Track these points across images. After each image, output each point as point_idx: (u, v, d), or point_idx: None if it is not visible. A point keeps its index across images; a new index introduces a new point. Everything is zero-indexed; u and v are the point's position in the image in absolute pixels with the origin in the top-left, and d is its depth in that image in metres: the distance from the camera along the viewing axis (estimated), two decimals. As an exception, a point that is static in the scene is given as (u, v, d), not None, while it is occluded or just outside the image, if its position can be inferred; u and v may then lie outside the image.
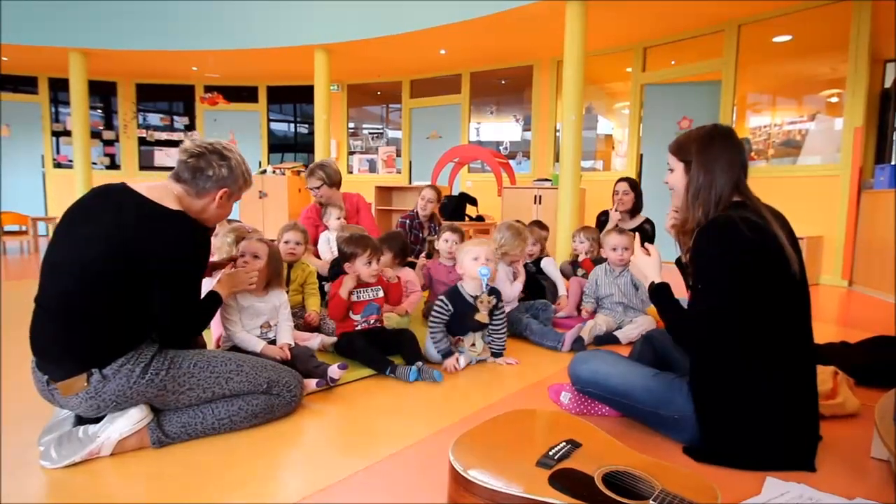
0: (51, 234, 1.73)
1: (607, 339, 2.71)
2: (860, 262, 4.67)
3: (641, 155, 6.35)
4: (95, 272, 1.41)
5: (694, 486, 1.09)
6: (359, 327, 2.34)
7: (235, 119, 9.02)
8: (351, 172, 8.86)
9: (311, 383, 1.91)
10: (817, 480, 1.35)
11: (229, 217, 2.09)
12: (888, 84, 4.95)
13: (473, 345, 2.36)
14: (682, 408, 1.50)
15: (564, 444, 1.23)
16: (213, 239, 2.41)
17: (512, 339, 2.61)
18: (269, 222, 6.92)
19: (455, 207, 5.94)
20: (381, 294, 2.41)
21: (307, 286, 2.75)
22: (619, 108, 6.92)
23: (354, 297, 2.32)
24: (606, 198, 4.18)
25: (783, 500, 1.26)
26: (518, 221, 3.15)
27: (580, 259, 3.61)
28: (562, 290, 3.36)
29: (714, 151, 1.48)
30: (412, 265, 3.32)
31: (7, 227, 6.66)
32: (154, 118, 9.11)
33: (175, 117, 9.14)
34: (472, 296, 2.31)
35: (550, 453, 1.18)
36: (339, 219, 3.48)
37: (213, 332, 2.25)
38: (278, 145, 9.32)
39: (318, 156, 6.93)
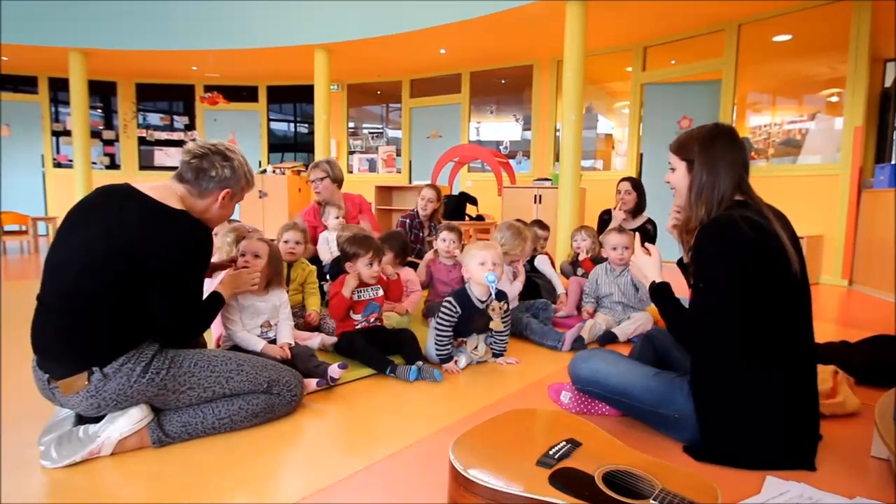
0: (51, 234, 1.74)
1: (607, 339, 2.72)
2: (860, 261, 4.67)
3: (641, 154, 6.35)
4: (98, 271, 1.42)
5: (694, 485, 1.09)
6: (359, 327, 2.34)
7: (235, 119, 9.01)
8: (351, 172, 8.86)
9: (312, 383, 1.91)
10: (817, 479, 1.35)
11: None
12: (888, 83, 4.95)
13: (476, 348, 2.34)
14: (682, 407, 1.50)
15: (565, 443, 1.23)
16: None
17: (512, 339, 2.61)
18: (269, 222, 6.93)
19: (455, 207, 5.94)
20: (381, 293, 2.41)
21: (307, 285, 2.75)
22: (619, 107, 6.92)
23: (355, 297, 2.32)
24: (606, 197, 4.18)
25: (783, 499, 1.26)
26: (519, 221, 3.14)
27: (580, 259, 3.61)
28: (559, 288, 3.36)
29: (716, 150, 1.49)
30: (412, 265, 3.32)
31: (7, 227, 6.65)
32: (154, 118, 9.10)
33: (175, 117, 9.14)
34: (479, 300, 2.27)
35: (551, 452, 1.18)
36: (337, 218, 3.48)
37: (213, 332, 2.25)
38: (278, 145, 9.32)
39: (318, 155, 6.93)
